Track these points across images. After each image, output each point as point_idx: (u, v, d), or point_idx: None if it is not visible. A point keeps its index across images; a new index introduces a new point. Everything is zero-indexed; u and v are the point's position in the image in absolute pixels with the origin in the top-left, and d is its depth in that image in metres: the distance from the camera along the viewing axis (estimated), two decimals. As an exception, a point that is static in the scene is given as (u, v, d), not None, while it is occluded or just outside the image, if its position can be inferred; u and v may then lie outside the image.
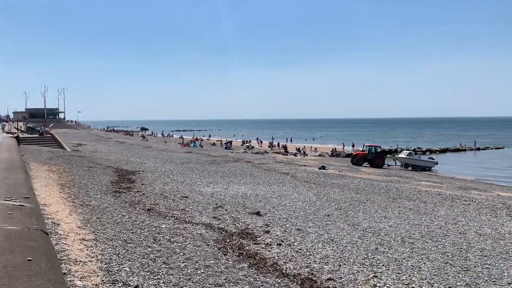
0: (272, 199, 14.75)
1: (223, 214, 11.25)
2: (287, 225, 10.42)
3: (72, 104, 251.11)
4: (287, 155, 45.16)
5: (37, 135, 40.02)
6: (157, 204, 11.98)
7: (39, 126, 50.52)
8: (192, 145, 55.62)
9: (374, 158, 35.66)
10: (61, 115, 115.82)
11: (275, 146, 61.43)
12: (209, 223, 9.84)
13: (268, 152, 46.93)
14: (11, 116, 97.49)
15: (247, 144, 59.82)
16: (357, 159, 35.93)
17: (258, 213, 11.46)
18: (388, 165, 37.49)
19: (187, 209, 11.52)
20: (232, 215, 11.22)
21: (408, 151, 39.79)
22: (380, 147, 38.93)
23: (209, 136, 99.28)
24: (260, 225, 10.08)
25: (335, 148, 53.67)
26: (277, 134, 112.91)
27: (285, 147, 63.19)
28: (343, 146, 57.08)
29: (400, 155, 38.13)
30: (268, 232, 9.50)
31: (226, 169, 25.50)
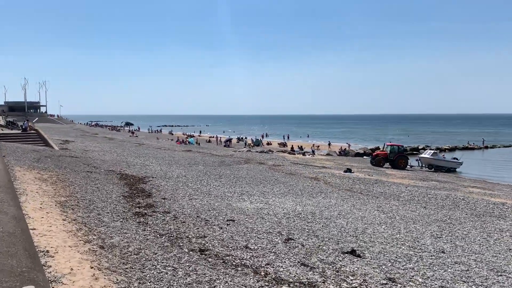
0: (337, 221, 11.31)
1: (306, 255, 7.73)
2: (417, 278, 6.97)
3: (53, 98, 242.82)
4: (294, 154, 41.74)
5: (18, 131, 35.69)
6: (205, 236, 8.40)
7: (21, 120, 45.95)
8: (190, 141, 51.68)
9: (397, 158, 32.46)
10: (43, 109, 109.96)
11: (285, 145, 57.75)
12: (308, 280, 6.32)
13: (273, 151, 43.43)
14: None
15: (247, 141, 56.08)
16: (378, 160, 32.62)
17: (353, 252, 7.99)
18: (411, 166, 34.37)
19: (251, 246, 7.99)
20: (320, 256, 7.72)
21: (432, 151, 36.67)
22: (403, 146, 35.73)
23: (200, 132, 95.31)
24: (384, 281, 6.59)
25: (342, 146, 50.45)
26: (272, 130, 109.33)
27: (284, 144, 59.87)
28: (349, 145, 53.91)
29: (424, 155, 35.03)
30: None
31: (244, 173, 22.00)
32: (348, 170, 26.06)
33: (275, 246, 8.11)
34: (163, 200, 12.45)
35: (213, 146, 50.72)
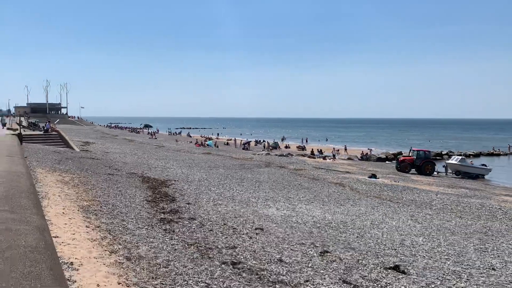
0: (372, 231, 10.67)
1: (346, 271, 7.13)
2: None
3: (74, 100, 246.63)
4: (314, 158, 41.02)
5: (40, 132, 35.91)
6: (235, 247, 7.88)
7: (42, 121, 46.35)
8: (208, 144, 51.41)
9: (424, 164, 31.45)
10: (64, 111, 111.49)
11: (303, 148, 57.02)
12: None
13: (292, 155, 42.77)
14: (12, 110, 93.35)
15: (268, 145, 55.46)
16: (404, 165, 31.64)
17: (396, 268, 7.35)
18: (438, 172, 33.28)
19: (285, 259, 7.43)
20: (361, 272, 7.11)
21: (460, 157, 35.48)
22: (429, 151, 34.67)
23: (217, 134, 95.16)
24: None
25: (364, 151, 49.46)
26: (287, 133, 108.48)
27: (303, 148, 59.13)
28: (370, 150, 52.85)
29: (451, 161, 33.88)
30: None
31: (266, 177, 21.47)
32: (373, 176, 25.28)
33: (311, 260, 7.54)
34: (187, 205, 12.00)
35: (232, 149, 50.33)
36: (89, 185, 13.65)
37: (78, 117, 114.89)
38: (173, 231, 8.58)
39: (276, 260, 7.29)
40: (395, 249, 8.90)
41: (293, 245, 8.49)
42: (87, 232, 7.36)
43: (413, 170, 32.00)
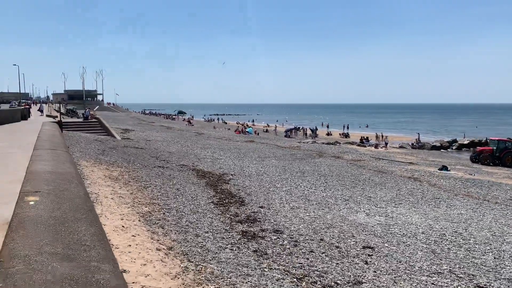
0: (504, 247, 8.25)
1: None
2: None
3: (109, 86, 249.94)
4: (364, 146, 38.25)
5: (79, 120, 34.82)
6: (359, 282, 5.69)
7: (79, 108, 45.53)
8: (248, 131, 49.43)
9: (505, 155, 28.21)
10: (99, 97, 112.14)
11: (347, 135, 54.31)
12: None
13: (340, 143, 40.14)
14: (51, 97, 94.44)
15: (310, 132, 52.88)
16: (484, 157, 28.38)
17: None
18: None
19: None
20: None
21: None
22: (510, 141, 31.31)
23: (253, 121, 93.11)
24: None
25: (416, 139, 46.12)
26: (321, 120, 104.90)
27: (346, 135, 56.25)
28: (418, 136, 49.33)
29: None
30: None
31: (326, 170, 19.21)
32: (444, 168, 22.51)
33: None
34: (260, 209, 9.92)
35: (273, 136, 48.15)
36: (141, 182, 11.80)
37: (113, 104, 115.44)
38: (265, 253, 6.49)
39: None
40: None
41: (430, 276, 6.23)
42: (162, 261, 5.35)
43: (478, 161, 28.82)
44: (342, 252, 7.02)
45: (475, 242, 8.61)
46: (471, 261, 7.21)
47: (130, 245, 5.78)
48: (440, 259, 7.17)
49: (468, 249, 7.99)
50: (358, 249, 7.31)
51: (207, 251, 6.23)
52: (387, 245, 7.79)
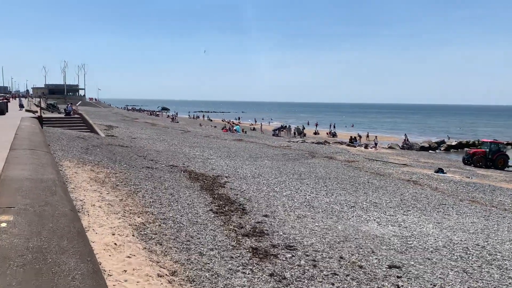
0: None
1: None
2: None
3: (92, 81, 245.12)
4: (354, 146, 37.65)
5: (61, 115, 33.24)
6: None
7: (61, 103, 43.77)
8: (236, 130, 48.37)
9: (497, 157, 27.90)
10: (81, 92, 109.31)
11: (334, 135, 53.80)
12: None
13: (329, 143, 39.48)
14: (30, 92, 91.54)
15: (298, 130, 52.04)
16: (477, 159, 27.97)
17: None
18: (509, 166, 29.60)
19: None
20: None
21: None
22: (503, 143, 31.07)
23: (238, 119, 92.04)
24: None
25: (405, 139, 45.71)
26: (305, 119, 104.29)
27: (334, 134, 55.77)
28: (406, 136, 49.01)
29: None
30: None
31: (322, 171, 18.43)
32: (440, 171, 21.97)
33: None
34: (265, 218, 8.99)
35: (261, 135, 47.25)
36: (130, 186, 10.74)
37: (95, 99, 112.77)
38: (284, 277, 5.56)
39: None
40: None
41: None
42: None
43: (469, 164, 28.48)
44: (368, 274, 6.14)
45: (503, 257, 7.85)
46: (510, 283, 6.42)
47: (125, 271, 4.79)
48: (476, 281, 6.36)
49: (500, 267, 7.21)
50: (384, 269, 6.44)
51: (216, 275, 5.28)
52: (412, 262, 6.95)
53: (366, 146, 37.13)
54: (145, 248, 5.86)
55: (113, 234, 6.13)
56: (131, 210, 8.01)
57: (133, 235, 6.36)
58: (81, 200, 8.06)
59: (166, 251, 5.92)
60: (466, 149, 37.29)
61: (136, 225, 6.97)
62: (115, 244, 5.70)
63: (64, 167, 11.75)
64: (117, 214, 7.46)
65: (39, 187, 5.31)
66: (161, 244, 6.19)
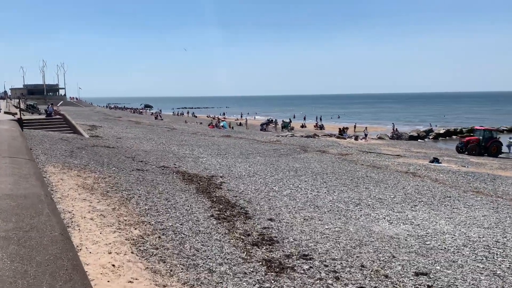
0: None
1: None
2: None
3: (71, 81, 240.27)
4: (344, 138, 37.24)
5: (41, 116, 31.98)
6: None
7: (41, 104, 42.30)
8: (223, 125, 47.52)
9: (491, 144, 27.75)
10: (62, 92, 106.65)
11: (321, 127, 53.48)
12: None
13: (319, 136, 39.01)
14: (9, 93, 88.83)
15: (286, 125, 51.43)
16: (472, 147, 27.75)
17: None
18: (502, 152, 29.52)
19: None
20: None
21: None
22: (496, 130, 30.98)
23: (224, 114, 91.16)
24: None
25: (395, 129, 45.47)
26: (289, 112, 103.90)
27: (321, 127, 55.42)
28: (393, 126, 48.83)
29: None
30: None
31: (317, 166, 17.92)
32: (435, 160, 21.64)
33: None
34: (271, 222, 8.35)
35: (248, 130, 46.56)
36: (122, 191, 9.96)
37: (76, 98, 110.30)
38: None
39: None
40: None
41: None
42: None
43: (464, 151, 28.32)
44: (396, 285, 5.55)
45: (527, 256, 7.36)
46: (546, 286, 5.91)
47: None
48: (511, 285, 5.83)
49: (529, 268, 6.70)
50: (412, 278, 5.86)
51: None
52: (438, 267, 6.39)
53: (356, 138, 36.77)
54: (147, 268, 5.16)
55: (110, 253, 5.41)
56: (126, 220, 7.28)
57: (132, 252, 5.64)
58: (69, 212, 7.29)
59: (171, 270, 5.22)
60: (458, 136, 37.24)
61: (133, 239, 6.25)
62: (113, 265, 4.98)
63: (48, 173, 10.91)
64: (111, 226, 6.72)
65: (22, 205, 4.55)
66: (164, 262, 5.49)
